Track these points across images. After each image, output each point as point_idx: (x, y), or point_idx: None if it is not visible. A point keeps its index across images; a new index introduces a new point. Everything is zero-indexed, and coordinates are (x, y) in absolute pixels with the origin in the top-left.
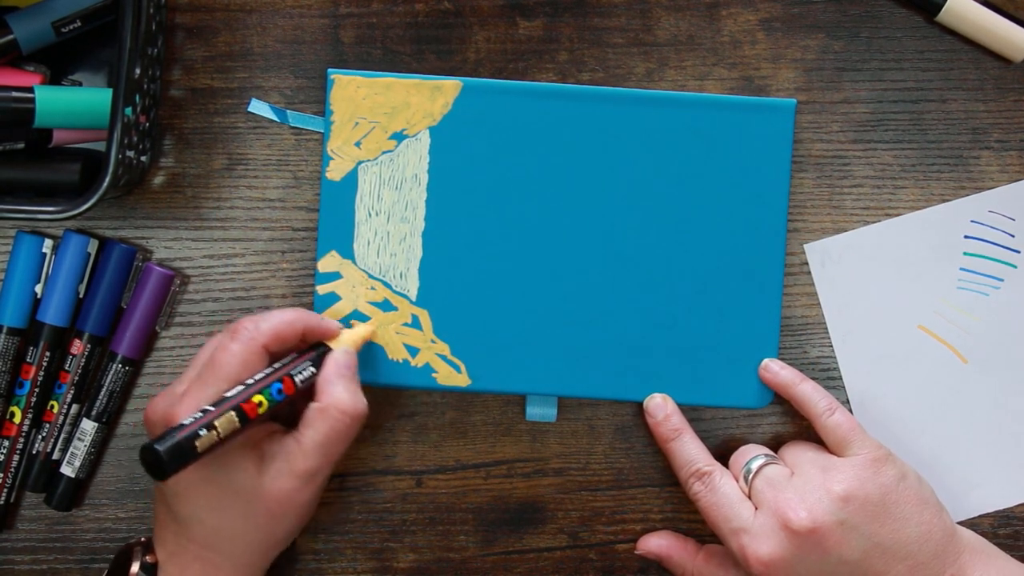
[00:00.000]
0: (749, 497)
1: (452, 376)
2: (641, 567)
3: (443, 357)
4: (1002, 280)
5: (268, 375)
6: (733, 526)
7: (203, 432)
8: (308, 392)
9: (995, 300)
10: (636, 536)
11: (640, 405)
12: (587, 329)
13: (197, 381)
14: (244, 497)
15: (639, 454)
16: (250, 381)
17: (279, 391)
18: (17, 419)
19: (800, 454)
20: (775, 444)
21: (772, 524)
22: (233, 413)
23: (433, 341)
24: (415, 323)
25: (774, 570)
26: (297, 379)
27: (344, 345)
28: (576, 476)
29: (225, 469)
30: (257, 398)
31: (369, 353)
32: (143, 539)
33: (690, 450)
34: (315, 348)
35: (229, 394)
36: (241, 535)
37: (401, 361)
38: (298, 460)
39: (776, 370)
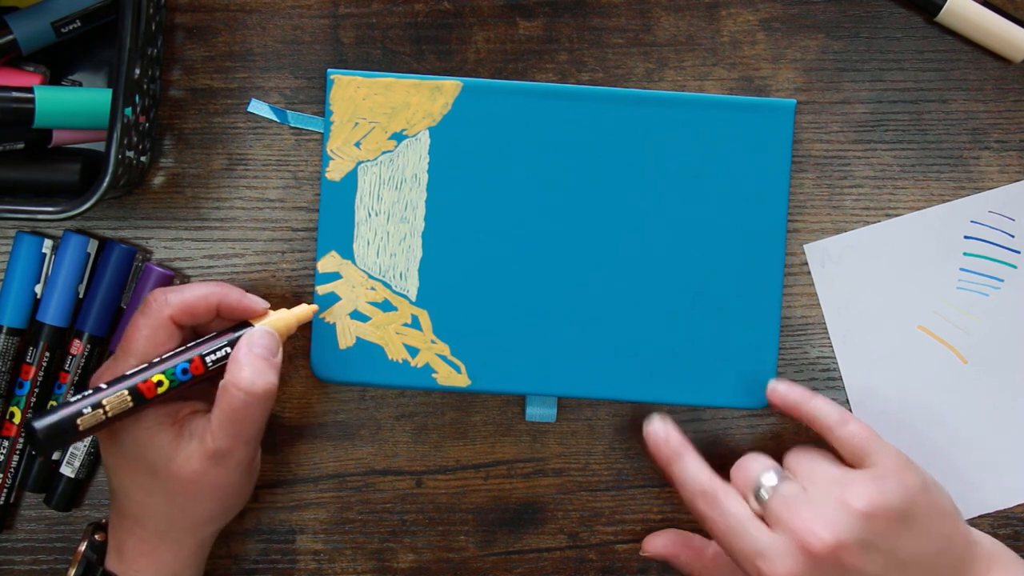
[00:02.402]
0: (760, 515)
1: (452, 376)
2: (641, 568)
3: (443, 357)
4: (1002, 280)
5: (176, 354)
6: (747, 549)
7: (87, 410)
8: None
9: (995, 300)
10: (636, 536)
11: (640, 405)
12: (587, 329)
13: (113, 360)
14: (161, 475)
15: (639, 454)
16: (156, 359)
17: (184, 371)
18: (17, 419)
19: (813, 465)
20: (775, 444)
21: (789, 546)
22: (126, 392)
23: (433, 341)
24: (415, 323)
25: None
26: (208, 359)
27: (267, 326)
28: (576, 476)
29: (142, 446)
30: (157, 377)
31: (369, 353)
32: (103, 520)
33: (693, 470)
34: (236, 328)
35: (129, 372)
36: (163, 512)
37: (401, 361)
38: (207, 439)
39: (784, 392)
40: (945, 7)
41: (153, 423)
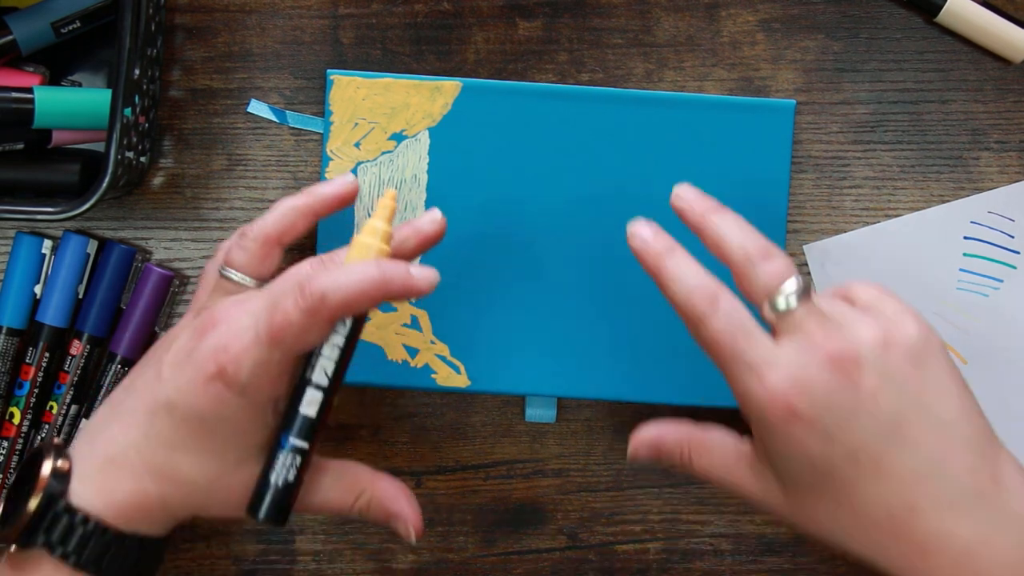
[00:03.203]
0: (772, 326)
1: (451, 377)
2: (640, 568)
3: (442, 358)
4: (1002, 281)
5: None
6: (750, 357)
7: (292, 478)
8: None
9: (995, 301)
10: (636, 536)
11: (640, 406)
12: (586, 330)
13: (256, 338)
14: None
15: None
16: (319, 393)
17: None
18: (16, 420)
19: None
20: None
21: (802, 355)
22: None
23: (432, 342)
24: (414, 324)
25: (794, 409)
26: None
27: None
28: (575, 477)
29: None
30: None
31: (368, 354)
32: (56, 442)
33: (688, 264)
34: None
35: (312, 414)
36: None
37: (400, 362)
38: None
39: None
40: (945, 7)
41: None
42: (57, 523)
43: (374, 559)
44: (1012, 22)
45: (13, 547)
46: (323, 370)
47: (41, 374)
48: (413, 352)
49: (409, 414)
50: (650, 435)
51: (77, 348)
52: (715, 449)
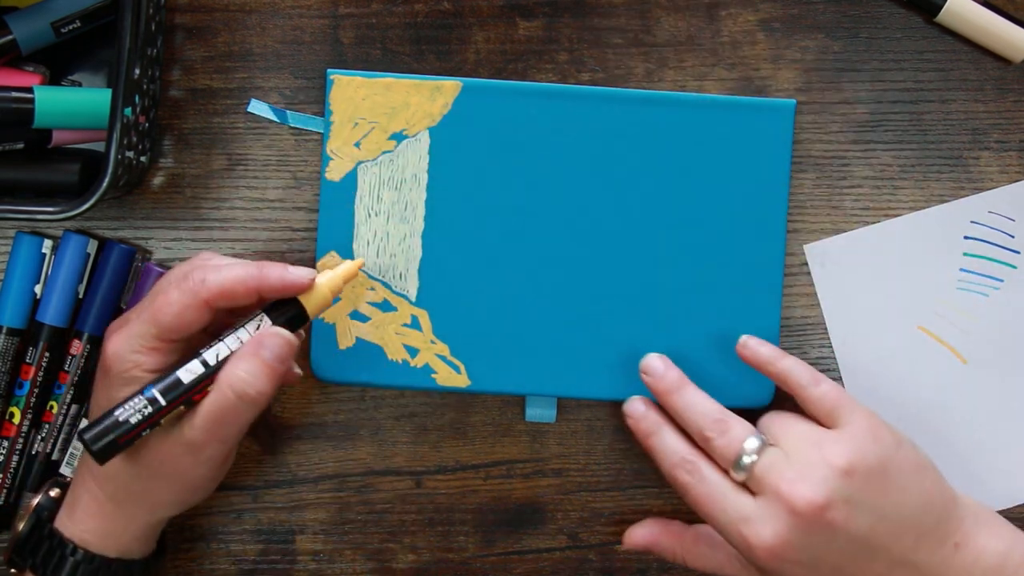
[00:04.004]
0: (742, 484)
1: (452, 377)
2: (640, 568)
3: (443, 358)
4: (1002, 281)
5: (196, 381)
6: (731, 516)
7: (145, 432)
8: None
9: (995, 301)
10: None
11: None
12: (587, 330)
13: (137, 316)
14: (135, 446)
15: (639, 454)
16: (183, 384)
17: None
18: (16, 419)
19: (787, 428)
20: None
21: (775, 509)
22: (183, 407)
23: (433, 342)
24: (415, 324)
25: (780, 555)
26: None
27: (319, 297)
28: (575, 477)
29: None
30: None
31: (369, 354)
32: (65, 478)
33: (671, 443)
34: (279, 307)
35: (185, 380)
36: (125, 482)
37: (401, 362)
38: (185, 428)
39: (755, 347)
40: (945, 7)
41: None
42: (40, 547)
43: (374, 559)
44: (1012, 22)
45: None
46: (216, 352)
47: (41, 374)
48: (413, 352)
49: (409, 414)
50: (643, 539)
51: (77, 348)
52: (706, 554)
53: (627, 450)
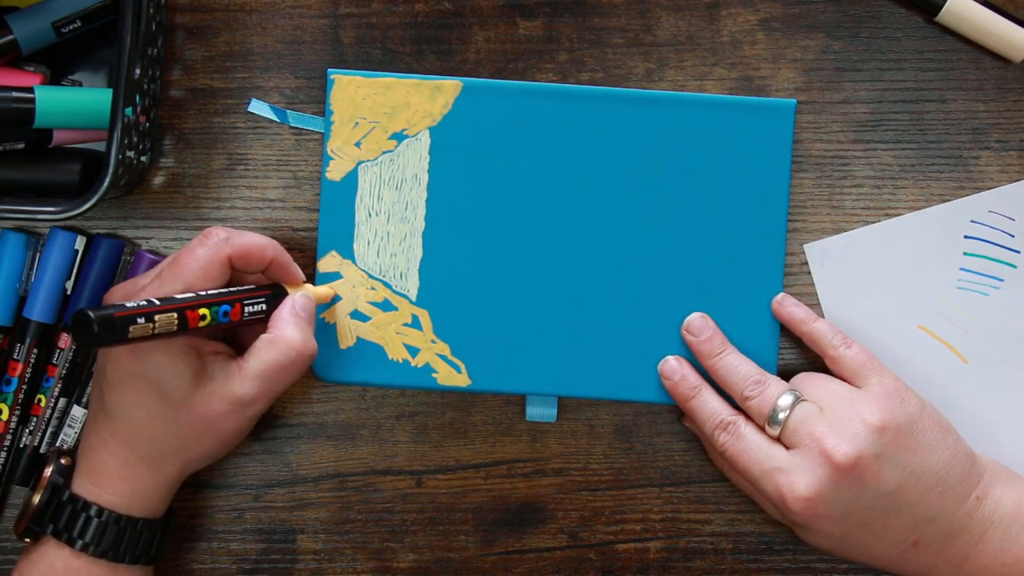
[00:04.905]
0: (778, 439)
1: (452, 376)
2: (640, 567)
3: (443, 357)
4: (1002, 280)
5: (221, 295)
6: (766, 467)
7: (140, 320)
8: (252, 328)
9: (995, 300)
10: (636, 536)
11: (640, 405)
12: (587, 329)
13: (157, 279)
14: (173, 404)
15: (639, 454)
16: (203, 293)
17: (225, 313)
18: (4, 416)
19: (821, 386)
20: None
21: (810, 461)
22: (175, 315)
23: (433, 341)
24: (415, 323)
25: (813, 507)
26: (247, 309)
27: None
28: (576, 476)
29: (164, 371)
30: (203, 311)
31: (369, 353)
32: (64, 445)
33: (711, 404)
34: (272, 288)
35: (179, 297)
36: (161, 440)
37: (401, 361)
38: (235, 384)
39: (791, 307)
40: (945, 7)
41: (180, 352)
42: (62, 512)
43: (375, 558)
44: (1012, 21)
45: (27, 540)
46: (207, 292)
47: (29, 371)
48: (414, 351)
49: (409, 413)
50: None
51: (65, 341)
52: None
53: (627, 449)
